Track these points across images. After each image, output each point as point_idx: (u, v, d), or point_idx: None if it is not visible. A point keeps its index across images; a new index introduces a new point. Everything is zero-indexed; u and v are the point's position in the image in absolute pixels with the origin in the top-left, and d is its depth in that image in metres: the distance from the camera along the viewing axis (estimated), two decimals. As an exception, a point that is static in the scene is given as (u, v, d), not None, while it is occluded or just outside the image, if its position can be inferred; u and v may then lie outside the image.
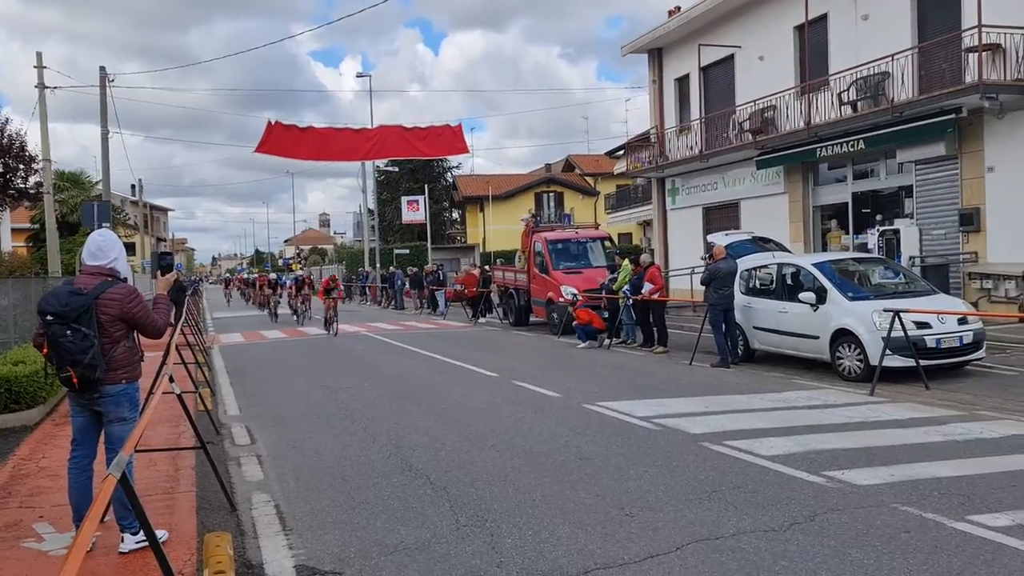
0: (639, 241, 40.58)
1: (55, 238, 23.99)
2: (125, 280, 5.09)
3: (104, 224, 18.43)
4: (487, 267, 29.21)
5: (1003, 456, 6.70)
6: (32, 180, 25.56)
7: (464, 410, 9.72)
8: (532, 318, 21.45)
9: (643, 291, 15.06)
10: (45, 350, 4.84)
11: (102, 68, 24.46)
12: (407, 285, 34.77)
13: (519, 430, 8.43)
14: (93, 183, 39.21)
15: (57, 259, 23.53)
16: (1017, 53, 15.60)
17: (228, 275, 79.08)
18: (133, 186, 55.85)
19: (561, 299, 18.39)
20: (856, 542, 4.83)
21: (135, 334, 5.07)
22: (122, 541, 5.01)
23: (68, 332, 4.66)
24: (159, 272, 5.99)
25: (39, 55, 23.62)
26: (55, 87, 23.85)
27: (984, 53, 15.53)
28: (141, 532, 4.72)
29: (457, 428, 8.67)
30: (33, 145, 24.89)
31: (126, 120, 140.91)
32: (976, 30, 15.38)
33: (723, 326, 12.69)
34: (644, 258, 16.26)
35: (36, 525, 5.64)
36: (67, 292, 4.80)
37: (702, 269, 14.22)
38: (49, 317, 4.72)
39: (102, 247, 4.99)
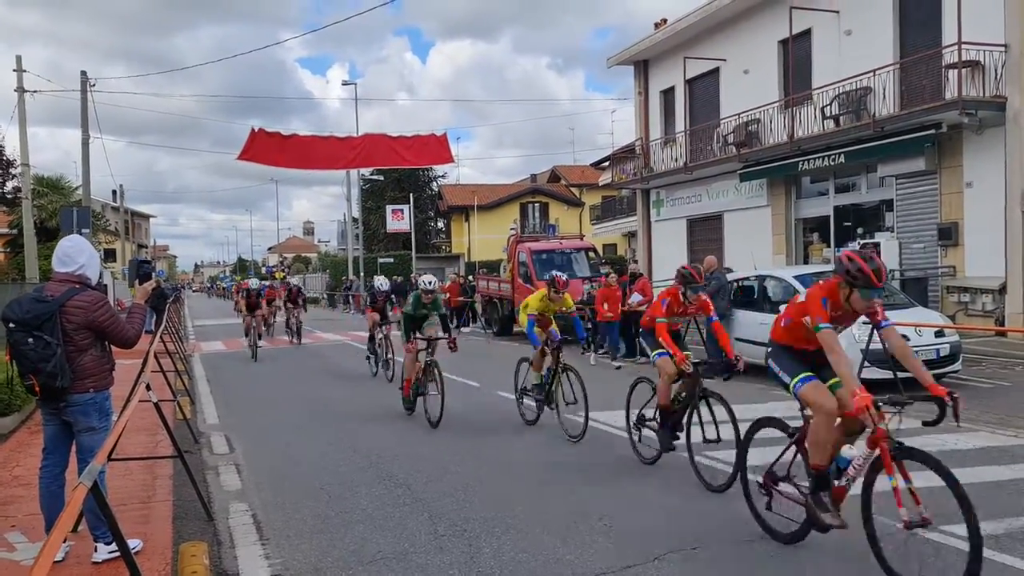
0: (624, 252, 40.71)
1: (33, 244, 23.74)
2: (98, 287, 5.04)
3: (83, 230, 18.28)
4: (471, 277, 29.18)
5: (976, 467, 6.75)
6: (10, 185, 25.34)
7: (445, 420, 9.68)
8: (516, 328, 21.44)
9: (632, 302, 15.07)
10: (8, 357, 4.79)
11: (83, 72, 24.29)
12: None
13: (500, 440, 8.41)
14: (73, 188, 38.82)
15: (35, 265, 23.28)
16: (996, 70, 15.81)
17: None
18: (114, 192, 55.35)
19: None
20: (832, 553, 4.85)
21: (107, 342, 5.01)
22: (95, 551, 4.96)
23: (30, 340, 4.61)
24: (137, 280, 5.92)
25: (19, 58, 23.49)
26: (35, 91, 23.68)
27: (964, 70, 15.73)
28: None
29: (438, 438, 8.64)
30: (12, 149, 24.70)
31: (109, 125, 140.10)
32: (956, 47, 15.58)
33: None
34: (634, 268, 16.28)
35: (8, 534, 5.56)
36: (30, 299, 4.75)
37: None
38: (11, 324, 4.68)
39: (69, 253, 4.93)
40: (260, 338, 18.78)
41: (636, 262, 26.00)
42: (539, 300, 9.00)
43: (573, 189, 52.94)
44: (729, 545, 5.04)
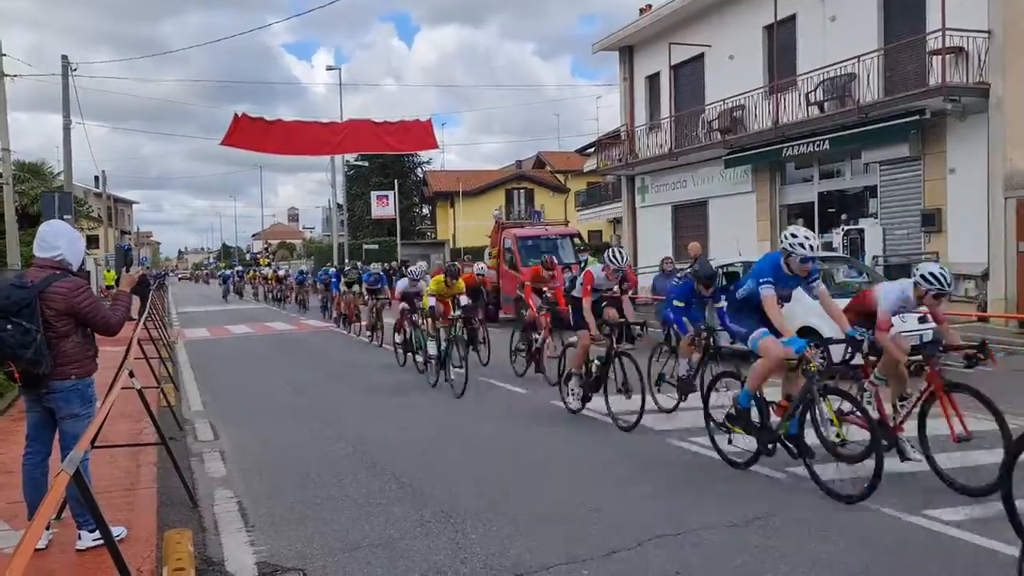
0: (609, 238, 40.71)
1: (14, 230, 23.44)
2: (80, 272, 4.99)
3: (65, 216, 18.10)
4: (454, 263, 29.02)
5: (958, 452, 6.80)
6: (-10, 170, 25.01)
7: (431, 406, 9.68)
8: (501, 315, 21.44)
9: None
10: None
11: (64, 57, 24.03)
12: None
13: (486, 427, 8.42)
14: (55, 174, 38.41)
15: (16, 251, 23.00)
16: (979, 56, 15.86)
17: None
18: (97, 178, 54.69)
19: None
20: (816, 536, 4.89)
21: (89, 329, 4.97)
22: (79, 538, 4.93)
23: (8, 326, 4.56)
24: (125, 269, 5.88)
25: (-2, 42, 23.11)
26: (15, 75, 23.35)
27: (947, 56, 15.78)
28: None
29: (424, 425, 8.65)
30: (-9, 134, 24.35)
31: (93, 111, 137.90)
32: (940, 33, 15.62)
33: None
34: None
35: (-10, 522, 5.52)
36: (9, 285, 4.70)
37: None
38: None
39: (47, 238, 4.89)
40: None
41: (621, 248, 26.03)
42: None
43: (558, 175, 52.84)
44: (712, 530, 5.07)
